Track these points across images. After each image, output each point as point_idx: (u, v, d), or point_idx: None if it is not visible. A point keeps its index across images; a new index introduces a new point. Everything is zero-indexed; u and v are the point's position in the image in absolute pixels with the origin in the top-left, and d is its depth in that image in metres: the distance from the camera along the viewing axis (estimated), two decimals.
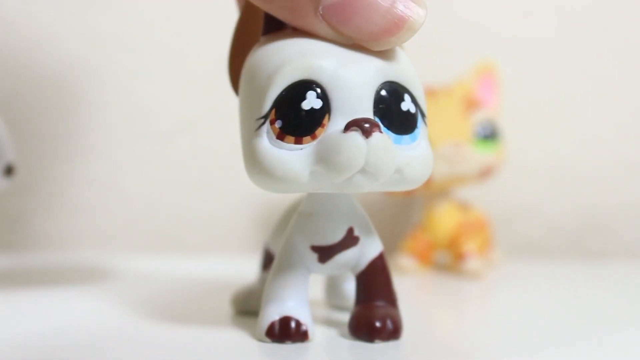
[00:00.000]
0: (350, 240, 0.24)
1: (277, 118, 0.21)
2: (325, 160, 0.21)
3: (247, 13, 0.25)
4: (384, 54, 0.22)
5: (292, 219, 0.24)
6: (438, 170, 0.41)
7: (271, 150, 0.21)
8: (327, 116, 0.21)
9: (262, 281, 0.29)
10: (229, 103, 0.49)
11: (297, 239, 0.24)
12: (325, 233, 0.23)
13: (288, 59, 0.21)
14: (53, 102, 0.52)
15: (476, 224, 0.44)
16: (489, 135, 0.42)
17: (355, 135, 0.20)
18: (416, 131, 0.22)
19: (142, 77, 0.53)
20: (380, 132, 0.20)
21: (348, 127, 0.20)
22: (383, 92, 0.21)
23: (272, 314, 0.23)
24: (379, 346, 0.23)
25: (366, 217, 0.24)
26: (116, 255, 0.48)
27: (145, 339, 0.24)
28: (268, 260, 0.29)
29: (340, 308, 0.29)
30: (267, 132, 0.21)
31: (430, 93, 0.42)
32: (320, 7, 0.21)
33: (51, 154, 0.52)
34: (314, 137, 0.21)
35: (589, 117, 0.53)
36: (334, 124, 0.21)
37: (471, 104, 0.42)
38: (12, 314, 0.29)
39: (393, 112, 0.21)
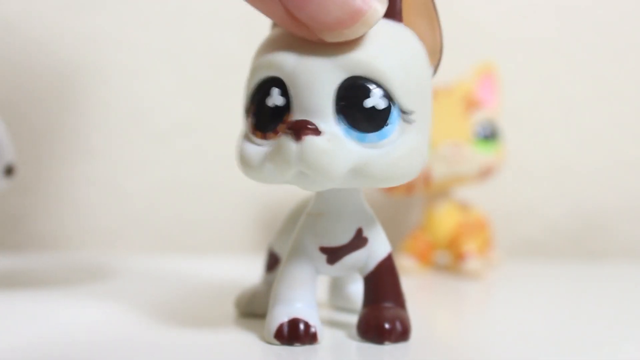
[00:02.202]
0: (359, 241, 0.23)
1: (251, 114, 0.22)
2: (268, 158, 0.21)
3: None
4: (355, 47, 0.21)
5: (301, 220, 0.24)
6: (438, 170, 0.41)
7: (245, 144, 0.22)
8: (288, 113, 0.21)
9: (266, 283, 0.28)
10: (230, 103, 0.49)
11: (305, 240, 0.23)
12: (335, 234, 0.23)
13: (261, 56, 0.22)
14: (53, 102, 0.52)
15: (476, 224, 0.44)
16: (489, 135, 0.42)
17: (286, 139, 0.20)
18: (386, 128, 0.21)
19: (142, 77, 0.53)
20: (317, 134, 0.20)
21: (286, 129, 0.21)
22: (345, 88, 0.21)
23: (280, 316, 0.23)
24: (387, 348, 0.23)
25: (375, 217, 0.24)
26: (117, 256, 0.48)
27: (147, 340, 0.24)
28: (272, 262, 0.28)
29: (344, 310, 0.29)
30: (247, 127, 0.22)
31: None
32: None
33: (51, 154, 0.52)
34: (276, 133, 0.21)
35: (589, 118, 0.53)
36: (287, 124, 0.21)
37: (471, 104, 0.42)
38: (11, 315, 0.29)
39: (355, 109, 0.21)
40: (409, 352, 0.22)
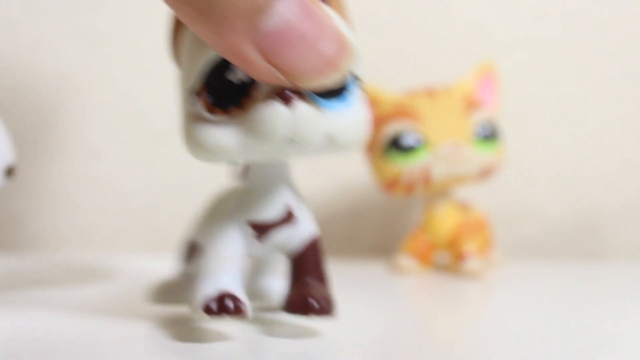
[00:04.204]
0: (288, 217, 0.24)
1: (206, 91, 0.21)
2: (251, 131, 0.21)
3: None
4: None
5: (230, 195, 0.24)
6: (438, 170, 0.41)
7: (201, 126, 0.21)
8: (254, 86, 0.21)
9: (185, 275, 0.28)
10: None
11: (234, 214, 0.24)
12: (263, 209, 0.23)
13: None
14: (53, 102, 0.52)
15: (476, 224, 0.44)
16: (489, 135, 0.42)
17: (277, 106, 0.20)
18: (346, 94, 0.22)
19: (141, 76, 0.53)
20: (305, 99, 0.20)
21: (270, 97, 0.20)
22: None
23: (208, 289, 0.23)
24: (387, 348, 0.23)
25: (303, 198, 0.24)
26: (116, 256, 0.48)
27: (147, 339, 0.24)
28: (192, 251, 0.28)
29: (259, 308, 0.28)
30: (198, 107, 0.22)
31: (430, 93, 0.42)
32: (256, 32, 0.19)
33: (51, 154, 0.52)
34: (242, 109, 0.21)
35: (589, 118, 0.53)
36: (262, 94, 0.21)
37: (471, 104, 0.42)
38: (11, 314, 0.29)
39: None
40: (409, 352, 0.22)
